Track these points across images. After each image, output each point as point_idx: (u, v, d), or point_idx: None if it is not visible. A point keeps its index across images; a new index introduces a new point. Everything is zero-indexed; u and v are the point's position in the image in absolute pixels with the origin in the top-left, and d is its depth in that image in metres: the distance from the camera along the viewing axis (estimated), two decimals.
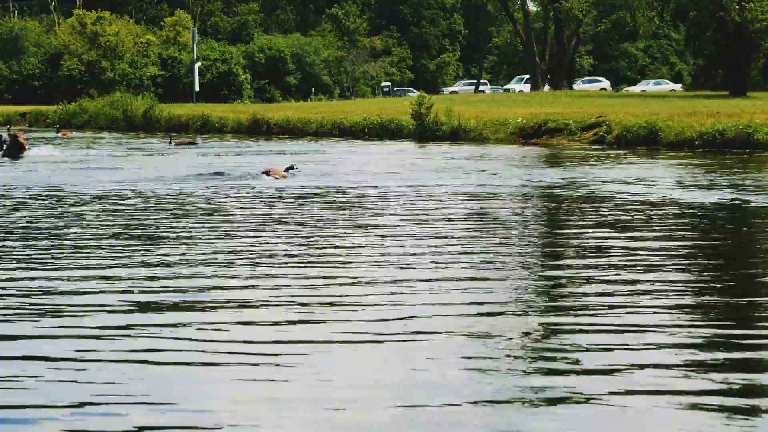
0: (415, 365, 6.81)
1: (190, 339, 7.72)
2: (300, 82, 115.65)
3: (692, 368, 6.57)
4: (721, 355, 6.88)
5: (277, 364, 6.98)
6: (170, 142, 43.81)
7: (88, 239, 13.84)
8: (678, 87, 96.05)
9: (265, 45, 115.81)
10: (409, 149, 39.00)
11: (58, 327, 8.40)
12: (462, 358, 6.92)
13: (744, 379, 6.32)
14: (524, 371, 6.55)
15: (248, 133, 54.86)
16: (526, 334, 7.48)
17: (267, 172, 27.11)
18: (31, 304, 9.27)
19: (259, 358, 7.19)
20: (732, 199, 18.01)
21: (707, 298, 8.93)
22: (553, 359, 6.72)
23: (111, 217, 16.48)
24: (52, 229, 14.89)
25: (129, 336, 8.07)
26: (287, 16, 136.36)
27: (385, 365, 6.87)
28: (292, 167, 27.27)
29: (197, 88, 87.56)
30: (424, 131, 45.71)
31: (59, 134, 55.15)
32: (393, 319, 8.12)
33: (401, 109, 50.59)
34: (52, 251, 12.66)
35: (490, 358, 6.79)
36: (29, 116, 74.55)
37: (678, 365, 6.64)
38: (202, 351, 7.39)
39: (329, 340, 7.65)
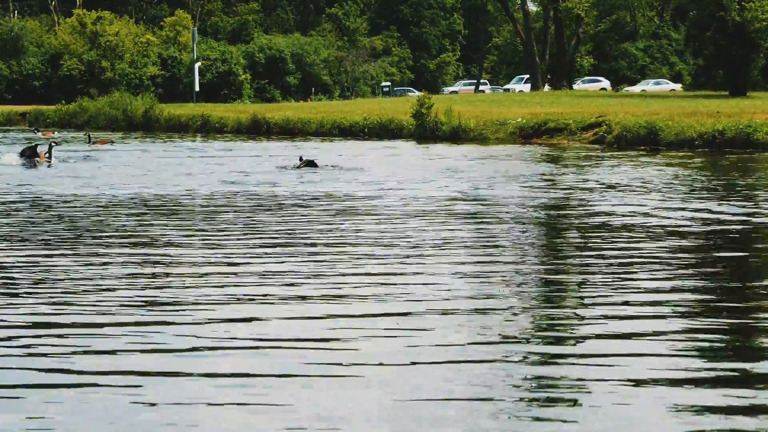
0: (410, 396, 6.48)
1: (176, 372, 7.19)
2: (300, 82, 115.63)
3: (696, 412, 6.23)
4: (727, 394, 6.52)
5: (269, 389, 6.68)
6: (89, 141, 43.42)
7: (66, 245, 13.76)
8: (678, 87, 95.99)
9: (265, 45, 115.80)
10: (409, 149, 38.96)
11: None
12: (459, 389, 6.58)
13: (751, 422, 6.08)
14: (522, 408, 6.26)
15: (248, 133, 54.83)
16: (526, 365, 7.10)
17: (313, 162, 27.76)
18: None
19: (253, 379, 6.96)
20: (733, 208, 17.33)
21: (713, 332, 8.27)
22: (553, 397, 6.42)
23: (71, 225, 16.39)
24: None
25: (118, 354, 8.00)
26: (287, 15, 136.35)
27: (381, 396, 6.52)
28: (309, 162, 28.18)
29: (197, 88, 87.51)
30: (424, 131, 45.66)
31: (39, 134, 53.72)
32: (388, 351, 7.60)
33: (401, 109, 50.57)
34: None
35: (488, 398, 6.45)
36: (29, 116, 74.41)
37: (682, 407, 6.30)
38: (194, 381, 7.02)
39: (322, 362, 7.31)
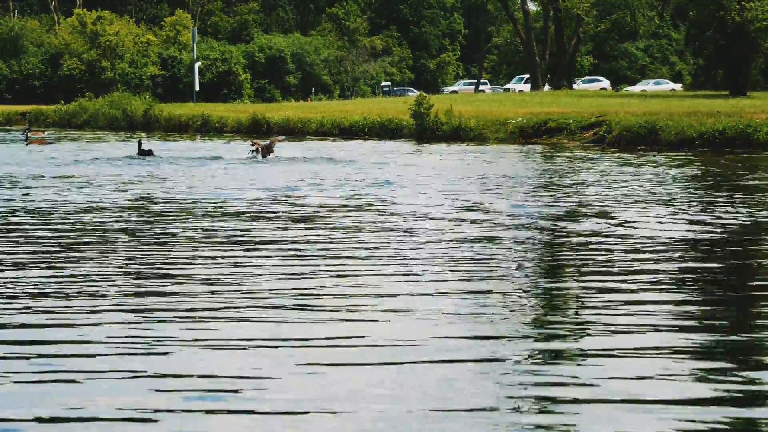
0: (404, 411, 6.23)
1: (164, 370, 7.15)
2: (300, 82, 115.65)
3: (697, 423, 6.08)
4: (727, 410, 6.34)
5: (262, 402, 6.45)
6: (26, 141, 42.76)
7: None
8: (678, 87, 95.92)
9: (265, 44, 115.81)
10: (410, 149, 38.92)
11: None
12: (457, 407, 6.31)
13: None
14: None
15: (248, 133, 54.82)
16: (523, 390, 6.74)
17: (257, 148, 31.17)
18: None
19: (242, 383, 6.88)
20: (734, 214, 16.80)
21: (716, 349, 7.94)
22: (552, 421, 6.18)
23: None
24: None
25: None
26: (287, 15, 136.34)
27: (377, 412, 6.29)
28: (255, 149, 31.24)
29: (197, 88, 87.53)
30: (425, 131, 45.65)
31: (30, 134, 53.05)
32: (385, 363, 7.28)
33: (401, 109, 50.55)
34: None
35: (486, 407, 6.29)
36: (29, 116, 74.42)
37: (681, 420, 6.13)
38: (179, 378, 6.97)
39: (320, 370, 7.09)
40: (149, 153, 32.91)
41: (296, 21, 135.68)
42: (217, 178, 24.53)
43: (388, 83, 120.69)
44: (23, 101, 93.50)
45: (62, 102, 75.22)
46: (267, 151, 30.96)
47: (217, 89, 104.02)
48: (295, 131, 53.54)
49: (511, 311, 8.94)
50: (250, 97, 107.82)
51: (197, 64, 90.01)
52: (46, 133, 54.59)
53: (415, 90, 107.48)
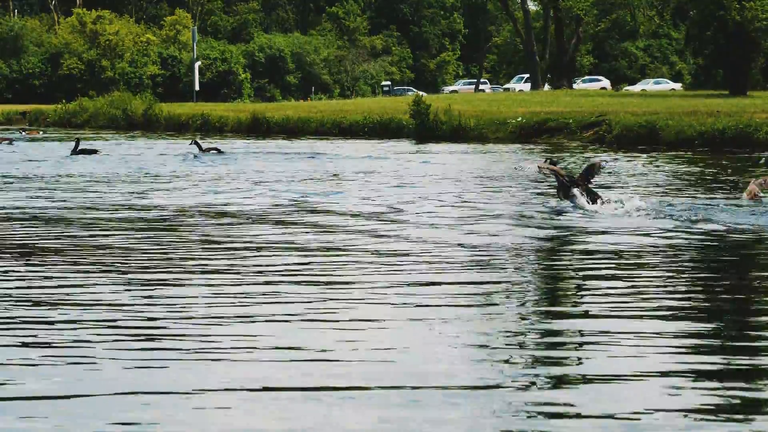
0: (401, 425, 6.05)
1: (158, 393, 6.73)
2: (300, 81, 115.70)
3: None
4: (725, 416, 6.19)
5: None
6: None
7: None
8: (678, 86, 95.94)
9: (265, 44, 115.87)
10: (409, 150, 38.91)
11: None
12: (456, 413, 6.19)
13: None
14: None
15: (248, 133, 54.84)
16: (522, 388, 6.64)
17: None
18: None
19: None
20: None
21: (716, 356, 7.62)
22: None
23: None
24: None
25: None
26: (287, 15, 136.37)
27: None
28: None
29: (197, 87, 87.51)
30: (425, 130, 45.66)
31: (24, 134, 52.74)
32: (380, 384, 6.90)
33: (401, 109, 50.54)
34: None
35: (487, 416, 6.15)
36: (29, 115, 74.41)
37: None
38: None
39: (315, 386, 6.79)
40: (91, 152, 33.20)
41: (296, 21, 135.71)
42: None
43: (389, 83, 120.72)
44: (23, 101, 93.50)
45: (65, 101, 75.21)
46: (208, 150, 34.23)
47: (217, 89, 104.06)
48: (295, 131, 53.55)
49: (510, 324, 8.68)
50: (250, 96, 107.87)
51: (197, 64, 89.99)
52: (41, 133, 54.70)
53: (415, 90, 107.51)
